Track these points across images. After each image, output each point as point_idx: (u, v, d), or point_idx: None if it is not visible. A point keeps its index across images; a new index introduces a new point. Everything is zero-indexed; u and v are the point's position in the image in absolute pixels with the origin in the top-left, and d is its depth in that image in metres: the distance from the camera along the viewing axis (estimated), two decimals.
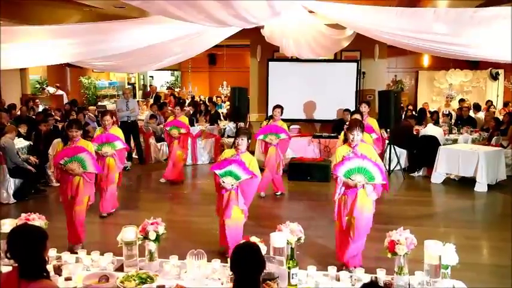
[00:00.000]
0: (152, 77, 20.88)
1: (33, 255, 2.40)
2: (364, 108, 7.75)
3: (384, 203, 6.63)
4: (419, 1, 8.45)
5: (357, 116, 6.30)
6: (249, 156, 4.90)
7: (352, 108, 9.88)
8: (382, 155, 8.37)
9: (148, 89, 18.64)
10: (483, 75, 16.35)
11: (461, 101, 14.15)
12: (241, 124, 10.85)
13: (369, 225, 4.61)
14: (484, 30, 4.66)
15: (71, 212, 5.32)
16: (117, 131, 7.07)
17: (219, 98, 16.89)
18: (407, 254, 3.16)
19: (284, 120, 8.00)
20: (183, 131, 8.69)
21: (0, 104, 11.73)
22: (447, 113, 12.94)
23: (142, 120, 11.47)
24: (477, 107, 13.24)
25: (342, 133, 6.13)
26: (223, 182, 4.75)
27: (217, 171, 4.81)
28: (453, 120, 12.14)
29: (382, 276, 3.23)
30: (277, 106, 7.89)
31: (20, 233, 2.49)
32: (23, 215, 3.67)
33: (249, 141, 5.01)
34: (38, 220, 3.59)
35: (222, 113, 14.05)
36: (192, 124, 11.15)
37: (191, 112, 13.36)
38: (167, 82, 20.53)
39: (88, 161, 5.28)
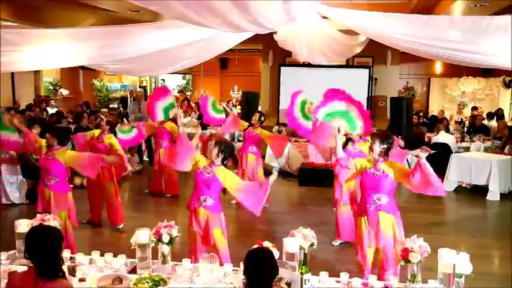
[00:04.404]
0: (164, 80, 21.01)
1: (51, 255, 2.45)
2: None
3: None
4: (433, 8, 8.42)
5: None
6: (223, 170, 4.19)
7: None
8: None
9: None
10: (496, 83, 16.18)
11: (474, 108, 14.02)
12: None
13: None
14: (499, 37, 4.64)
15: None
16: (112, 140, 6.42)
17: (230, 102, 16.90)
18: (420, 262, 3.15)
19: None
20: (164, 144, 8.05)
21: (15, 105, 11.87)
22: (459, 120, 12.84)
23: None
24: (490, 115, 13.11)
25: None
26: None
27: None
28: (465, 128, 12.04)
29: (395, 283, 3.21)
30: (256, 112, 7.80)
31: (38, 233, 2.53)
32: (38, 215, 3.71)
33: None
34: (53, 221, 3.63)
35: None
36: (203, 128, 11.18)
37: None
38: (179, 85, 20.65)
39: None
